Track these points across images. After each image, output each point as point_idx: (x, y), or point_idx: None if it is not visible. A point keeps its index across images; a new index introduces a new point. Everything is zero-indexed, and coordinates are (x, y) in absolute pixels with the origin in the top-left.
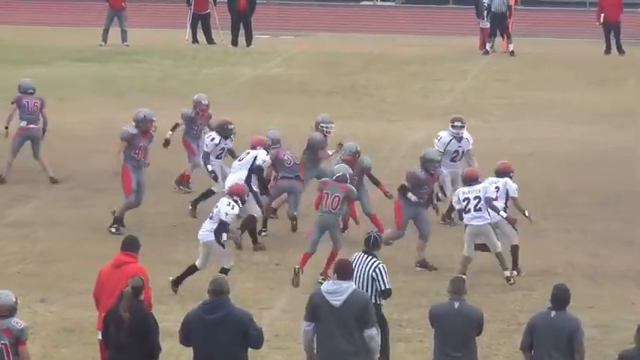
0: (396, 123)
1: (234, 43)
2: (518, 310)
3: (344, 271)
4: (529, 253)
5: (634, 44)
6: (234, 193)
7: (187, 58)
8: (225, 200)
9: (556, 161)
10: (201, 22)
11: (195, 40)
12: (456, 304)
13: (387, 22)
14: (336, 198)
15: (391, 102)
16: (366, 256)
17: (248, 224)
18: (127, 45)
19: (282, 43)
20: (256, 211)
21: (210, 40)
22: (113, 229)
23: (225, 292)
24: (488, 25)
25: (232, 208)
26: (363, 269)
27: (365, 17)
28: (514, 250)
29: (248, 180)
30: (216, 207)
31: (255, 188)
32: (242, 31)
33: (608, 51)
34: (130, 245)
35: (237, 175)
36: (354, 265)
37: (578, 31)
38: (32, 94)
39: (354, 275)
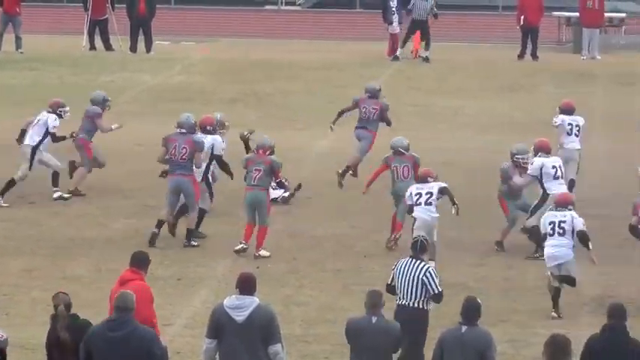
0: (302, 131)
1: (133, 49)
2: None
3: (247, 286)
4: (442, 266)
5: (547, 49)
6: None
7: (85, 65)
8: None
9: (470, 170)
10: (98, 27)
11: (92, 46)
12: (373, 319)
13: (291, 28)
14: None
15: (297, 109)
16: (413, 260)
17: (200, 217)
18: (22, 52)
19: (183, 49)
20: (207, 204)
21: (108, 47)
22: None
23: (130, 308)
24: (397, 30)
25: None
26: (413, 274)
27: (269, 22)
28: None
29: (207, 171)
30: None
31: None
32: (141, 37)
33: (521, 56)
34: (137, 261)
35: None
36: (400, 269)
37: (491, 36)
38: None
39: (401, 280)
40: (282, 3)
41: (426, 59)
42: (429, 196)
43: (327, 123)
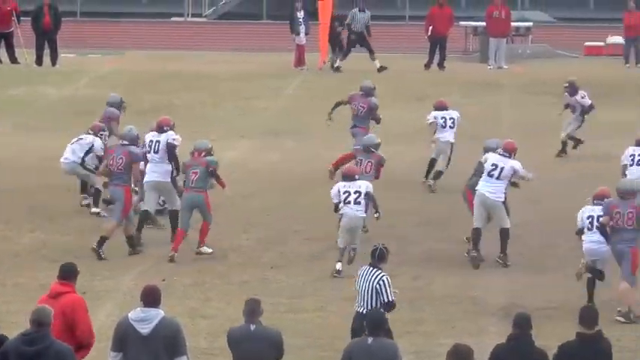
0: (212, 142)
1: (39, 62)
2: (336, 336)
3: (152, 298)
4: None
5: (454, 59)
6: None
7: None
8: None
9: (380, 181)
10: (4, 40)
11: None
12: (252, 327)
13: (199, 39)
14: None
15: (206, 121)
16: (371, 268)
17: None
18: None
19: (89, 61)
20: (177, 204)
21: (13, 60)
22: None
23: (47, 323)
24: (304, 41)
25: None
26: (368, 281)
27: (176, 34)
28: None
29: (172, 171)
30: None
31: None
32: (47, 50)
33: (428, 65)
34: (66, 273)
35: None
36: (359, 277)
37: (398, 46)
38: None
39: (359, 287)
40: (188, 15)
41: (382, 68)
42: (357, 195)
43: (236, 134)
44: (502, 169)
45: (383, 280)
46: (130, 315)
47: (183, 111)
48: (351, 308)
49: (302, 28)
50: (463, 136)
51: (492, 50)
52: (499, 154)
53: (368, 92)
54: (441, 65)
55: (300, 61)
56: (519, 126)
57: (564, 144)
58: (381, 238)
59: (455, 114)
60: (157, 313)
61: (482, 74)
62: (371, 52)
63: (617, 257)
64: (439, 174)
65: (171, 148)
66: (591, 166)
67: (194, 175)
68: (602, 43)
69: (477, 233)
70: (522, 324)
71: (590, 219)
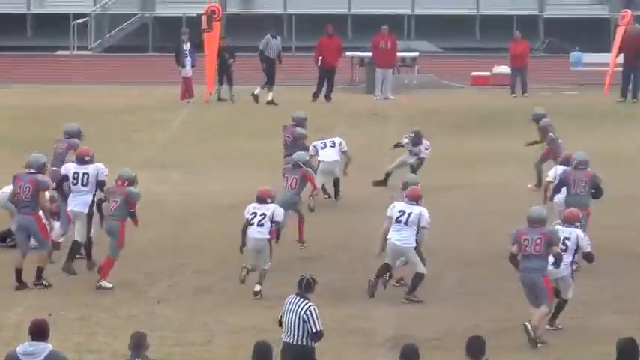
0: None
1: None
2: None
3: (40, 332)
4: (238, 310)
5: (341, 90)
6: None
7: None
8: None
9: None
10: None
11: None
12: None
13: (84, 72)
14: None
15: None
16: (298, 298)
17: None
18: None
19: None
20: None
21: None
22: None
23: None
24: (190, 73)
25: None
26: (295, 311)
27: (62, 67)
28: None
29: (93, 200)
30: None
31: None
32: None
33: (316, 96)
34: None
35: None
36: (286, 307)
37: (284, 77)
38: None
39: (286, 316)
40: (74, 48)
41: (271, 103)
42: (262, 217)
43: (122, 167)
44: (409, 214)
45: (310, 310)
46: (18, 349)
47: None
48: (238, 341)
49: (188, 60)
50: (351, 166)
51: (379, 81)
52: (405, 202)
53: (298, 122)
54: (328, 97)
55: (186, 93)
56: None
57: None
58: (270, 271)
59: (337, 140)
60: (45, 347)
61: (368, 105)
62: (271, 83)
63: (528, 285)
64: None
65: (102, 185)
66: (482, 193)
67: (114, 204)
68: (488, 73)
69: (385, 268)
70: (410, 355)
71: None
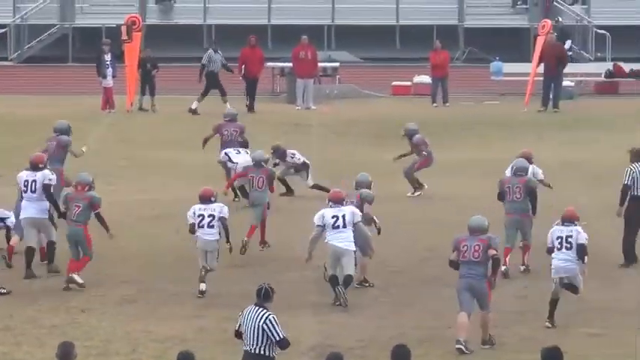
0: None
1: None
2: None
3: None
4: (162, 320)
5: (263, 100)
6: None
7: None
8: None
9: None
10: None
11: None
12: None
13: (4, 82)
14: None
15: (11, 166)
16: (256, 308)
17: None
18: None
19: None
20: (54, 236)
21: None
22: None
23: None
24: (111, 84)
25: None
26: (254, 321)
27: None
28: None
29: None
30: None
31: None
32: None
33: (250, 109)
34: None
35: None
36: (245, 317)
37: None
38: None
39: (245, 327)
40: None
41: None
42: (211, 218)
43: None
44: (343, 216)
45: (270, 320)
46: None
47: None
48: (162, 350)
49: (109, 71)
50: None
51: (300, 91)
52: (331, 206)
53: (233, 118)
54: (251, 108)
55: (107, 104)
56: (327, 165)
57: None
58: (194, 281)
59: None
60: None
61: (290, 115)
62: (223, 94)
63: (468, 290)
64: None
65: (47, 189)
66: (403, 202)
67: (77, 209)
68: (409, 83)
69: (333, 280)
70: None
71: (559, 239)
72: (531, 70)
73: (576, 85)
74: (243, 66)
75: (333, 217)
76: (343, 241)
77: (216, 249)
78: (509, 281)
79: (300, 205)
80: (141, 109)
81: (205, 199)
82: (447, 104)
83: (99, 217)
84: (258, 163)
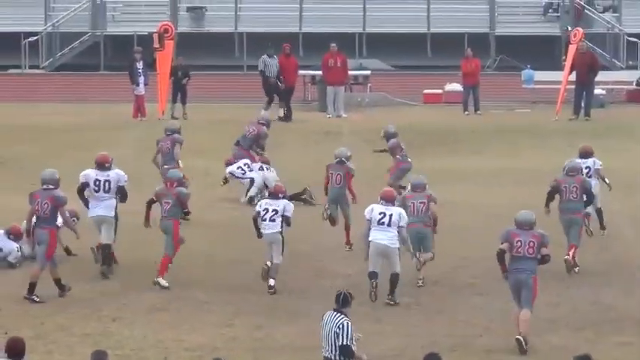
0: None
1: None
2: None
3: (16, 350)
4: (193, 328)
5: (294, 108)
6: None
7: None
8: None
9: (215, 231)
10: None
11: None
12: None
13: (37, 91)
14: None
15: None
16: (335, 313)
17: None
18: None
19: None
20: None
21: None
22: None
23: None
24: (143, 92)
25: None
26: (330, 326)
27: (13, 86)
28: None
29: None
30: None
31: None
32: None
33: (287, 118)
34: None
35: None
36: (324, 322)
37: (235, 96)
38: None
39: (323, 332)
40: (25, 66)
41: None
42: (274, 213)
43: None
44: (390, 215)
45: (342, 324)
46: None
47: (18, 165)
48: (192, 359)
49: (141, 79)
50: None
51: (330, 99)
52: (382, 204)
53: (267, 123)
54: (288, 117)
55: (139, 112)
56: (359, 173)
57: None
58: (221, 288)
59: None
60: None
61: (321, 123)
62: (280, 99)
63: (517, 285)
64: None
65: (123, 190)
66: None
67: (166, 205)
68: (440, 91)
69: (373, 276)
70: None
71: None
72: (563, 78)
73: (607, 94)
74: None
75: (380, 213)
76: (388, 239)
77: (279, 241)
78: (541, 289)
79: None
80: (172, 117)
81: (275, 195)
82: (479, 112)
83: (185, 213)
84: (340, 161)
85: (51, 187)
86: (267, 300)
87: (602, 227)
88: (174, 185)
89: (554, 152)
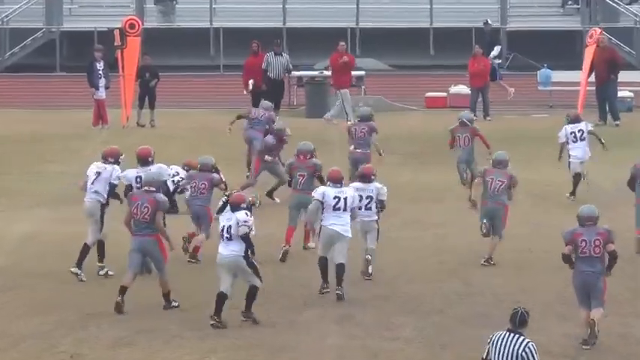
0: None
1: None
2: None
3: None
4: None
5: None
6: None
7: None
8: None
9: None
10: None
11: None
12: None
13: None
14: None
15: None
16: (510, 334)
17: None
18: None
19: None
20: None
21: None
22: None
23: None
24: (103, 96)
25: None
26: (510, 349)
27: None
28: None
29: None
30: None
31: None
32: None
33: None
34: None
35: None
36: (496, 344)
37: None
38: None
39: (498, 356)
40: None
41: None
42: (368, 200)
43: (28, 204)
44: (345, 199)
45: (529, 348)
46: None
47: None
48: None
49: (101, 82)
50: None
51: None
52: (332, 186)
53: (268, 108)
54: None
55: (100, 119)
56: None
57: None
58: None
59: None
60: None
61: (310, 131)
62: (276, 107)
63: (585, 287)
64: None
65: (174, 190)
66: (442, 231)
67: (301, 178)
68: (444, 94)
69: (322, 262)
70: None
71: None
72: (582, 80)
73: (636, 96)
74: (250, 81)
75: (335, 197)
76: (341, 226)
77: (375, 229)
78: (560, 315)
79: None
80: (138, 124)
81: (367, 177)
82: (489, 118)
83: (321, 180)
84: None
85: (152, 189)
86: (247, 333)
87: (573, 193)
88: (308, 157)
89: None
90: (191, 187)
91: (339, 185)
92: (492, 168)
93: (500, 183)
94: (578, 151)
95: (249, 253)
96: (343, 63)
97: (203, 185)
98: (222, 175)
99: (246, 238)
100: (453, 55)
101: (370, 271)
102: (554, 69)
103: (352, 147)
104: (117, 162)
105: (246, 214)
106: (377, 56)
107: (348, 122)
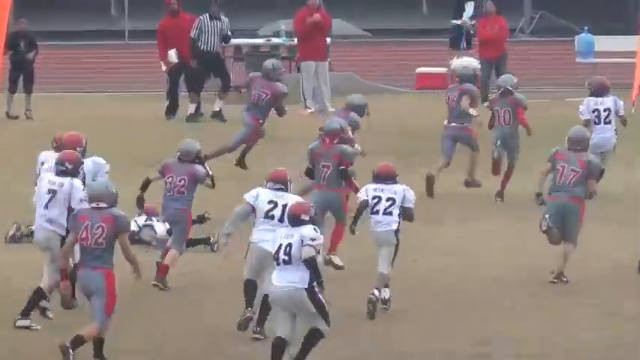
0: None
1: None
2: None
3: None
4: None
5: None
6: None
7: None
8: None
9: None
10: None
11: None
12: None
13: None
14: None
15: None
16: None
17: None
18: None
19: None
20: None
21: None
22: None
23: None
24: None
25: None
26: None
27: None
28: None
29: None
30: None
31: None
32: None
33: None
34: None
35: None
36: None
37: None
38: None
39: None
40: None
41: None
42: (390, 203)
43: None
44: (284, 207)
45: None
46: None
47: None
48: None
49: None
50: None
51: (309, 82)
52: (271, 189)
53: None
54: (196, 112)
55: None
56: None
57: None
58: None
59: None
60: None
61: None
62: (225, 87)
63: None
64: None
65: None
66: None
67: (326, 170)
68: (443, 70)
69: (250, 286)
70: None
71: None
72: (638, 49)
73: None
74: (172, 51)
75: (270, 202)
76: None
77: (392, 244)
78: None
79: None
80: (8, 115)
81: (388, 177)
82: None
83: (347, 177)
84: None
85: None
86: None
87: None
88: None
89: (624, 164)
90: (166, 182)
91: (282, 188)
92: (565, 150)
93: (574, 174)
94: (599, 137)
95: (314, 284)
96: (313, 23)
97: (182, 181)
98: (207, 167)
99: (311, 264)
100: (453, 16)
101: (386, 306)
102: (597, 34)
103: None
104: (76, 172)
105: (315, 229)
106: (347, 17)
107: (309, 110)
